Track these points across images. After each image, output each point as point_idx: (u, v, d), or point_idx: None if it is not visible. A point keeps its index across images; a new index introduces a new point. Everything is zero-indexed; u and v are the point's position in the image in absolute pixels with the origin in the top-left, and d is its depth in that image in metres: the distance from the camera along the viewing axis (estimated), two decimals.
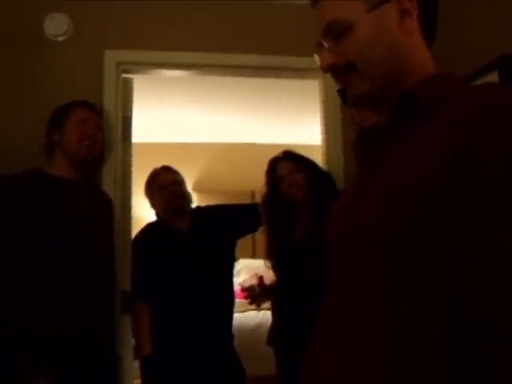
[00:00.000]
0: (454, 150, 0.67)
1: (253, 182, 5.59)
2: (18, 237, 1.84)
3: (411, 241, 0.70)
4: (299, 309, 2.14)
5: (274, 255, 2.33)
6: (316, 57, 0.91)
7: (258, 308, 2.52)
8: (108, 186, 2.33)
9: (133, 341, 2.41)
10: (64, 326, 1.82)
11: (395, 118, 0.82)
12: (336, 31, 0.84)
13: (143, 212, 4.08)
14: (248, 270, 4.96)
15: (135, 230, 2.58)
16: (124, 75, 2.50)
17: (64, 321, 1.83)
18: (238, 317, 2.55)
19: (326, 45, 0.86)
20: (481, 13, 2.09)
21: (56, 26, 2.42)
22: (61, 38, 2.43)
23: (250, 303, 2.46)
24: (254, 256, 5.28)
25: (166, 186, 2.50)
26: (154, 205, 2.58)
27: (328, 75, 2.53)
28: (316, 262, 2.08)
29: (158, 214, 2.58)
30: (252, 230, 2.64)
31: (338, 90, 1.84)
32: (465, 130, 0.68)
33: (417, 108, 0.79)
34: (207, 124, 5.31)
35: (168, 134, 5.49)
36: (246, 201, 5.45)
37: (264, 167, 2.42)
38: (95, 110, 2.20)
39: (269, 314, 3.93)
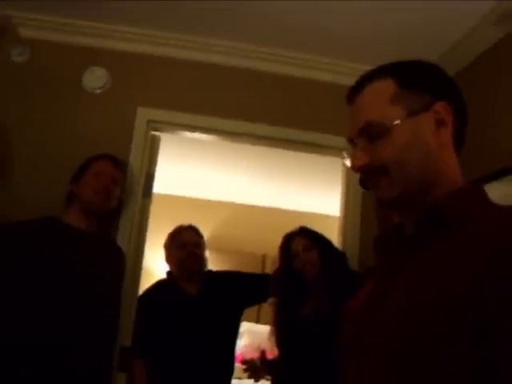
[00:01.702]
0: (480, 270, 0.66)
1: (265, 245, 5.62)
2: (24, 281, 1.83)
3: (429, 356, 0.67)
4: None
5: (280, 330, 2.29)
6: (345, 154, 0.92)
7: (256, 381, 2.46)
8: (123, 239, 2.34)
9: None
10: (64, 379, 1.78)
11: (422, 229, 0.82)
12: (372, 132, 0.83)
13: (153, 262, 4.09)
14: (251, 334, 4.88)
15: (144, 280, 2.57)
16: (152, 132, 2.55)
17: (64, 375, 1.79)
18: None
19: (358, 143, 0.86)
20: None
21: (95, 79, 2.52)
22: (98, 91, 2.52)
23: (249, 377, 2.40)
24: (258, 321, 5.20)
25: (187, 245, 2.51)
26: (169, 259, 2.59)
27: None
28: (322, 343, 2.06)
29: (169, 272, 2.57)
30: (261, 300, 2.61)
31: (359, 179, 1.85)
32: (492, 250, 0.67)
33: (444, 222, 0.78)
34: (226, 183, 5.38)
35: (187, 188, 5.56)
36: (257, 264, 5.45)
37: (278, 232, 2.42)
38: (117, 163, 2.23)
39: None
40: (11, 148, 2.42)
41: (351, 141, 0.89)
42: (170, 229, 2.69)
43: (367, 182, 0.88)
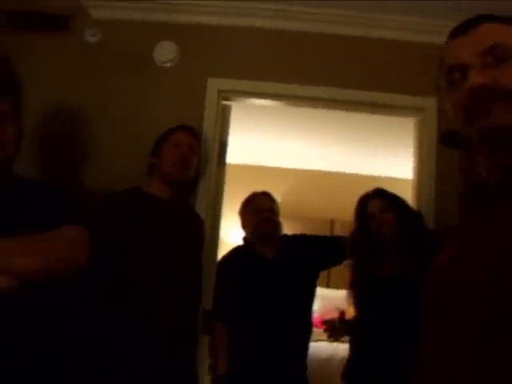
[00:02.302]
0: None
1: (334, 210, 5.62)
2: (117, 250, 1.94)
3: None
4: (378, 348, 2.12)
5: (358, 291, 2.31)
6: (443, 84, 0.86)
7: (335, 341, 2.50)
8: (201, 208, 2.42)
9: (209, 361, 2.45)
10: (153, 343, 1.89)
11: (507, 182, 0.80)
12: (501, 54, 0.80)
13: (227, 231, 4.20)
14: (322, 299, 4.92)
15: (221, 250, 2.66)
16: (223, 102, 2.60)
17: (153, 337, 1.90)
18: (310, 346, 2.56)
19: (475, 65, 0.81)
20: None
21: (165, 53, 2.57)
22: (168, 65, 2.58)
23: (329, 336, 2.45)
24: (328, 286, 5.24)
25: (261, 210, 2.55)
26: (244, 226, 2.64)
27: (427, 114, 2.50)
28: (401, 303, 2.07)
29: (245, 238, 2.64)
30: (336, 263, 2.62)
31: (447, 132, 1.80)
32: None
33: None
34: (294, 151, 5.40)
35: (257, 157, 5.64)
36: (326, 229, 5.47)
37: (346, 196, 2.41)
38: (193, 133, 2.29)
39: (341, 346, 3.90)
40: (91, 126, 2.54)
41: (457, 66, 0.84)
42: (241, 198, 2.74)
43: (477, 106, 0.81)
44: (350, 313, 2.45)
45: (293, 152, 5.44)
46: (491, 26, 0.84)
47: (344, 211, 2.40)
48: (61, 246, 1.31)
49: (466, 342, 0.74)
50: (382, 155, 5.22)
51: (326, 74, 2.61)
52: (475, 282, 0.75)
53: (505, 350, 0.67)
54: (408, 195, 2.55)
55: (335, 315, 2.48)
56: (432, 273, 0.91)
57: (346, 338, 2.58)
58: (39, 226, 1.29)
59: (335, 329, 2.43)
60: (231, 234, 4.30)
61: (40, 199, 1.48)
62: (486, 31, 0.83)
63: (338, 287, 4.95)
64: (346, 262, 2.48)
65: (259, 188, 2.78)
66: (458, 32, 0.87)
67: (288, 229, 2.80)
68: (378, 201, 2.28)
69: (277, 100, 2.65)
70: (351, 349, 2.36)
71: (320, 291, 4.96)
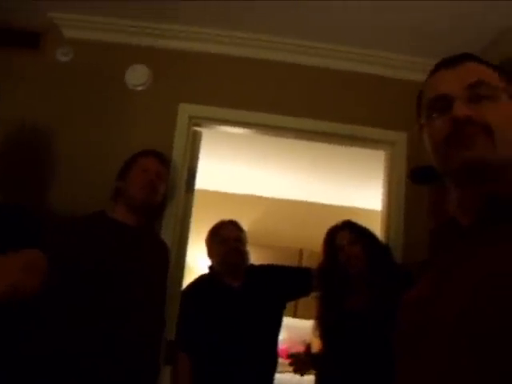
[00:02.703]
0: None
1: (303, 239, 5.62)
2: (76, 275, 1.87)
3: (506, 336, 0.65)
4: (345, 381, 2.08)
5: (324, 323, 2.28)
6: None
7: (301, 375, 2.45)
8: (167, 234, 2.36)
9: None
10: (113, 372, 1.82)
11: (487, 217, 0.80)
12: (483, 91, 0.83)
13: (196, 259, 4.14)
14: (288, 329, 4.85)
15: (187, 276, 2.61)
16: (194, 128, 2.57)
17: (113, 366, 1.82)
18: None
19: (458, 98, 0.84)
20: None
21: (137, 76, 2.55)
22: (140, 88, 2.56)
23: (295, 371, 2.40)
24: (295, 315, 5.20)
25: (228, 240, 2.52)
26: (211, 255, 2.60)
27: (397, 147, 2.54)
28: (368, 337, 2.05)
29: (211, 267, 2.59)
30: (303, 294, 2.60)
31: (416, 168, 1.82)
32: None
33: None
34: (265, 179, 5.39)
35: (226, 183, 5.61)
36: (294, 258, 5.45)
37: (315, 226, 2.41)
38: (162, 159, 2.25)
39: (305, 379, 3.84)
40: (59, 146, 2.47)
41: (440, 97, 0.86)
42: (209, 224, 2.70)
43: (461, 136, 0.82)
44: (317, 345, 2.42)
45: (263, 180, 5.44)
46: (475, 64, 0.88)
47: (313, 241, 2.38)
48: (13, 271, 1.26)
49: (436, 377, 0.73)
50: (352, 186, 5.27)
51: (298, 104, 2.62)
52: (447, 317, 0.74)
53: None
54: (377, 226, 2.56)
55: (301, 348, 2.44)
56: (403, 309, 0.90)
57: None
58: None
59: (301, 363, 2.39)
60: (198, 260, 4.23)
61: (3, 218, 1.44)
62: (470, 68, 0.87)
63: (304, 317, 4.92)
64: (314, 294, 2.46)
65: (228, 215, 2.75)
66: (441, 66, 0.90)
67: (257, 257, 2.77)
68: (346, 233, 2.27)
69: (248, 128, 2.64)
70: (317, 382, 2.32)
71: (287, 321, 4.90)
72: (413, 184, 2.18)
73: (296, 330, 4.87)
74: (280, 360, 2.61)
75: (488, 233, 0.78)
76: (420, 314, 0.82)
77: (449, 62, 0.89)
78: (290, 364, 2.40)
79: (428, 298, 0.82)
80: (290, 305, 2.65)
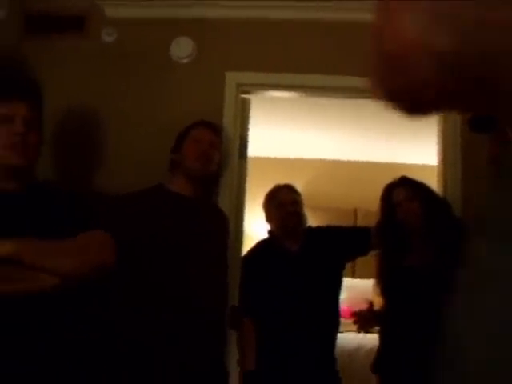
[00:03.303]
0: None
1: (356, 200, 5.58)
2: (141, 249, 1.95)
3: None
4: (408, 337, 2.09)
5: (385, 281, 2.29)
6: None
7: (366, 332, 2.48)
8: (224, 203, 2.41)
9: (237, 354, 2.46)
10: (182, 340, 1.90)
11: None
12: None
13: (252, 226, 4.19)
14: (348, 289, 4.89)
15: (244, 243, 2.65)
16: (242, 95, 2.58)
17: (182, 335, 1.90)
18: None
19: None
20: None
21: (181, 49, 2.56)
22: (185, 61, 2.57)
23: (359, 328, 2.43)
24: (353, 275, 5.21)
25: (285, 203, 2.54)
26: (269, 220, 2.63)
27: None
28: (429, 293, 2.04)
29: (270, 231, 2.63)
30: (362, 253, 2.60)
31: (474, 116, 1.76)
32: None
33: None
34: (316, 141, 5.36)
35: (277, 149, 5.61)
36: (349, 218, 5.43)
37: (368, 186, 2.39)
38: (213, 128, 2.27)
39: (368, 336, 3.88)
40: (110, 126, 2.55)
41: None
42: (263, 190, 2.73)
43: None
44: (378, 303, 2.43)
45: (313, 142, 5.40)
46: None
47: (367, 200, 2.37)
48: (93, 249, 1.35)
49: None
50: (403, 142, 5.15)
51: (346, 62, 2.56)
52: None
53: None
54: (432, 182, 2.51)
55: (364, 306, 2.46)
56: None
57: (375, 328, 2.56)
58: (60, 230, 1.32)
59: (365, 320, 2.41)
60: (254, 226, 4.29)
61: (60, 204, 1.52)
62: None
63: (363, 277, 4.92)
64: (373, 252, 2.46)
65: (281, 180, 2.76)
66: None
67: (311, 220, 2.78)
68: (403, 189, 2.25)
69: (295, 91, 2.63)
70: (381, 339, 2.34)
71: (346, 281, 4.95)
72: (471, 133, 2.11)
73: (355, 289, 4.88)
74: (342, 320, 2.65)
75: None
76: None
77: None
78: (354, 322, 2.42)
79: None
80: (348, 265, 2.66)
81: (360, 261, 2.87)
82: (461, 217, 2.32)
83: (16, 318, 1.31)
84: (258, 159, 5.09)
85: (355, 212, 5.63)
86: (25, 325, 1.33)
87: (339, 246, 2.53)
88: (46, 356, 1.37)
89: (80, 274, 1.27)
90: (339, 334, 2.56)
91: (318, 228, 2.67)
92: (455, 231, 2.07)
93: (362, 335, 4.05)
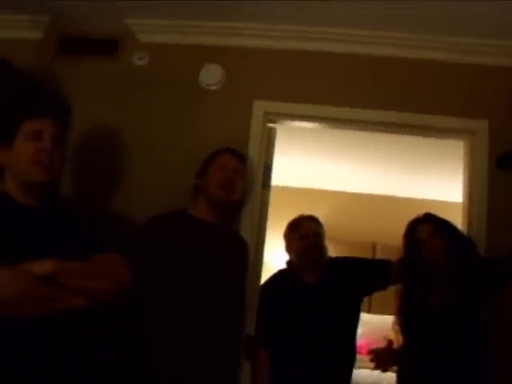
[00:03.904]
0: None
1: (375, 233, 5.54)
2: (161, 273, 1.95)
3: None
4: (425, 378, 2.04)
5: (405, 319, 2.24)
6: None
7: (383, 371, 2.42)
8: (245, 231, 2.40)
9: None
10: (196, 368, 1.88)
11: None
12: None
13: (271, 254, 4.16)
14: (364, 324, 4.81)
15: (263, 273, 2.63)
16: (269, 124, 2.60)
17: (196, 363, 1.88)
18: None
19: None
20: None
21: (211, 75, 2.61)
22: (214, 87, 2.61)
23: (376, 367, 2.36)
24: (369, 311, 5.14)
25: (307, 235, 2.51)
26: (289, 250, 2.61)
27: (478, 136, 2.45)
28: (451, 334, 1.99)
29: (289, 262, 2.60)
30: (381, 287, 2.55)
31: (503, 154, 1.75)
32: None
33: None
34: (337, 173, 5.38)
35: (300, 179, 5.63)
36: (368, 252, 5.38)
37: (388, 220, 2.37)
38: (239, 156, 2.28)
39: (383, 375, 3.79)
40: (138, 148, 2.59)
41: None
42: (284, 219, 2.71)
43: None
44: (396, 340, 2.38)
45: (337, 174, 5.42)
46: None
47: (386, 235, 2.34)
48: (113, 271, 1.35)
49: None
50: (427, 178, 5.14)
51: (372, 95, 2.59)
52: None
53: None
54: (455, 220, 2.48)
55: (382, 344, 2.41)
56: (505, 305, 0.87)
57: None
58: (77, 251, 1.33)
59: (383, 359, 2.35)
60: (273, 256, 4.26)
61: (79, 224, 1.54)
62: None
63: (379, 312, 4.85)
64: (391, 288, 2.41)
65: (303, 210, 2.75)
66: None
67: (330, 252, 2.76)
68: (428, 226, 2.21)
69: (321, 122, 2.64)
70: (398, 379, 2.28)
71: (362, 316, 4.91)
72: (499, 171, 2.09)
73: (371, 325, 4.81)
74: (358, 356, 2.59)
75: None
76: None
77: None
78: (371, 360, 2.36)
79: None
80: (364, 300, 2.61)
81: (376, 296, 2.82)
82: (486, 256, 2.28)
83: (42, 338, 1.33)
84: (280, 188, 5.10)
85: (374, 246, 5.59)
86: (51, 345, 1.34)
87: (358, 278, 2.49)
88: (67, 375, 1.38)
89: (102, 296, 1.27)
90: (355, 370, 2.51)
91: (338, 259, 2.64)
92: (480, 271, 2.04)
93: (377, 372, 3.94)
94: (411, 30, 2.51)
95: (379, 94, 2.59)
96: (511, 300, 0.90)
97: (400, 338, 2.30)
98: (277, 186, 4.59)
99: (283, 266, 2.67)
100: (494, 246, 2.34)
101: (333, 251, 2.88)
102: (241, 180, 2.24)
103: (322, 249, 2.53)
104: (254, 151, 2.50)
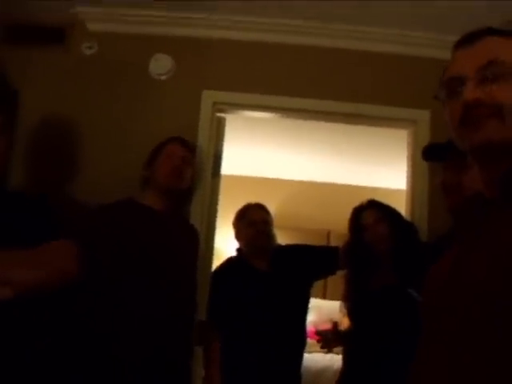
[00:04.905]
0: None
1: (330, 221, 5.63)
2: (110, 261, 1.94)
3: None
4: (370, 358, 2.12)
5: (351, 302, 2.32)
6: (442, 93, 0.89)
7: (328, 352, 2.51)
8: (195, 219, 2.43)
9: (203, 372, 2.45)
10: (148, 355, 1.88)
11: (506, 193, 0.81)
12: (497, 71, 0.82)
13: (225, 243, 4.21)
14: (318, 310, 4.93)
15: (217, 260, 2.69)
16: (218, 114, 2.63)
17: (149, 349, 1.89)
18: (304, 357, 2.56)
19: (471, 80, 0.84)
20: None
21: (160, 65, 2.61)
22: (164, 77, 2.62)
23: (322, 347, 2.45)
24: (324, 297, 5.24)
25: (255, 222, 2.56)
26: (238, 238, 2.65)
27: (419, 126, 2.52)
28: (394, 315, 2.08)
29: (239, 249, 2.65)
30: (330, 273, 2.63)
31: (427, 146, 1.82)
32: None
33: None
34: (290, 162, 5.43)
35: (252, 168, 5.67)
36: (322, 240, 5.47)
37: (342, 208, 2.43)
38: (186, 145, 2.29)
39: (336, 357, 3.89)
40: (85, 137, 2.57)
41: (455, 79, 0.87)
42: (236, 208, 2.75)
43: (470, 120, 0.83)
44: (345, 323, 2.46)
45: (288, 163, 5.48)
46: (492, 40, 0.86)
47: (340, 222, 2.40)
48: (55, 259, 1.33)
49: (444, 352, 0.76)
50: (377, 166, 5.25)
51: (319, 86, 2.64)
52: (466, 295, 0.76)
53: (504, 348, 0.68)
54: (403, 206, 2.57)
55: (329, 326, 2.49)
56: (426, 285, 0.92)
57: (341, 349, 2.58)
58: (24, 240, 1.31)
59: (328, 340, 2.43)
60: (227, 243, 4.30)
61: (27, 212, 1.51)
62: (486, 45, 0.86)
63: (334, 298, 4.95)
64: (341, 273, 2.49)
65: (255, 199, 2.79)
66: (460, 44, 0.90)
67: (285, 240, 2.82)
68: (371, 212, 2.29)
69: (271, 112, 2.69)
70: (344, 360, 2.37)
71: (316, 302, 5.00)
72: (425, 161, 2.18)
73: (325, 310, 4.91)
74: (309, 340, 2.66)
75: (509, 208, 0.79)
76: (440, 291, 0.84)
77: (466, 40, 0.89)
78: (318, 341, 2.44)
79: (448, 275, 0.83)
80: (319, 286, 2.68)
81: (331, 282, 2.90)
82: (427, 241, 2.38)
83: None
84: (232, 177, 5.14)
85: (328, 234, 5.68)
86: None
87: (307, 264, 2.55)
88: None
89: (36, 286, 1.25)
90: (307, 355, 2.57)
91: (287, 246, 2.70)
92: (421, 255, 2.12)
93: (329, 356, 4.07)
94: (357, 22, 2.57)
95: (325, 85, 2.65)
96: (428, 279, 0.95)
97: (346, 320, 2.38)
98: (231, 176, 4.64)
99: (235, 253, 2.72)
100: (435, 232, 2.43)
101: (288, 239, 2.95)
102: (189, 168, 2.26)
103: (269, 236, 2.57)
104: (203, 141, 2.52)
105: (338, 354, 3.43)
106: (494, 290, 0.71)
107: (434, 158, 1.84)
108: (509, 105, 0.80)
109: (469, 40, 0.88)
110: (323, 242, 5.44)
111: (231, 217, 2.73)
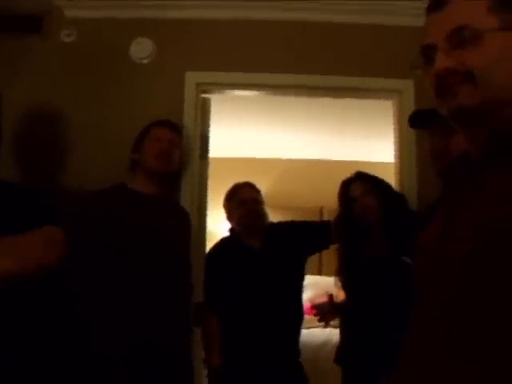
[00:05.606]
0: None
1: (322, 198, 5.63)
2: (102, 247, 1.95)
3: (506, 274, 0.68)
4: (367, 329, 2.15)
5: (345, 275, 2.34)
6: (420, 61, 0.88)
7: (326, 325, 2.53)
8: (185, 201, 2.44)
9: (202, 353, 2.48)
10: (148, 338, 1.91)
11: (490, 153, 0.81)
12: (464, 37, 0.81)
13: (215, 225, 4.20)
14: (314, 286, 4.95)
15: (211, 242, 2.68)
16: (202, 95, 2.61)
17: (148, 332, 1.92)
18: (303, 333, 2.58)
19: (441, 48, 0.83)
20: None
21: (141, 49, 2.58)
22: (145, 61, 2.60)
23: (319, 321, 2.48)
24: (320, 273, 5.27)
25: (245, 202, 2.55)
26: (230, 218, 2.65)
27: (404, 96, 2.51)
28: (387, 285, 2.11)
29: (232, 229, 2.65)
30: (323, 247, 2.65)
31: (413, 114, 1.83)
32: None
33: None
34: (277, 140, 5.41)
35: (240, 149, 5.63)
36: (315, 217, 5.48)
37: (333, 183, 2.44)
38: (173, 127, 2.29)
39: (335, 331, 3.93)
40: (70, 125, 2.55)
41: (428, 47, 0.86)
42: (225, 191, 2.73)
43: (443, 89, 0.84)
44: (341, 296, 2.48)
45: (276, 142, 5.45)
46: (460, 2, 0.85)
47: (333, 198, 2.41)
48: (31, 247, 1.31)
49: (439, 318, 0.76)
50: (367, 140, 5.25)
51: (303, 61, 2.63)
52: (453, 260, 0.76)
53: (487, 319, 0.69)
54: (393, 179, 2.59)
55: (324, 299, 2.51)
56: (416, 252, 0.93)
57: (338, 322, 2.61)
58: (13, 228, 1.30)
59: (325, 313, 2.46)
60: (220, 226, 4.31)
61: (14, 200, 1.49)
62: (454, 9, 0.84)
63: (330, 274, 4.96)
64: (334, 247, 2.51)
65: (246, 179, 2.78)
66: (430, 9, 0.88)
67: (276, 218, 2.82)
68: (359, 184, 2.30)
69: (256, 90, 2.68)
70: (341, 332, 2.39)
71: (312, 278, 5.02)
72: (412, 128, 2.18)
73: (321, 287, 4.92)
74: (306, 317, 2.68)
75: (493, 168, 0.79)
76: (429, 257, 0.84)
77: (435, 4, 0.87)
78: (315, 315, 2.47)
79: (436, 240, 0.83)
80: (314, 262, 2.69)
81: (326, 257, 2.91)
82: (417, 210, 2.39)
83: None
84: (223, 160, 5.12)
85: (321, 210, 5.68)
86: None
87: (300, 240, 2.56)
88: None
89: (13, 274, 1.23)
90: (305, 330, 2.59)
91: (279, 224, 2.71)
92: (411, 223, 2.14)
93: (328, 331, 4.11)
94: None
95: (307, 59, 2.63)
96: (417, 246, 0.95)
97: (342, 292, 2.41)
98: (221, 158, 4.62)
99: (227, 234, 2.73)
100: (424, 200, 2.45)
101: (281, 218, 2.94)
102: (177, 150, 2.26)
103: (260, 214, 2.58)
104: (189, 122, 2.51)
105: (336, 328, 3.46)
106: (481, 251, 0.71)
107: (420, 125, 1.85)
108: (479, 69, 0.80)
109: (437, 4, 0.87)
110: (316, 218, 5.44)
111: (221, 199, 2.73)
